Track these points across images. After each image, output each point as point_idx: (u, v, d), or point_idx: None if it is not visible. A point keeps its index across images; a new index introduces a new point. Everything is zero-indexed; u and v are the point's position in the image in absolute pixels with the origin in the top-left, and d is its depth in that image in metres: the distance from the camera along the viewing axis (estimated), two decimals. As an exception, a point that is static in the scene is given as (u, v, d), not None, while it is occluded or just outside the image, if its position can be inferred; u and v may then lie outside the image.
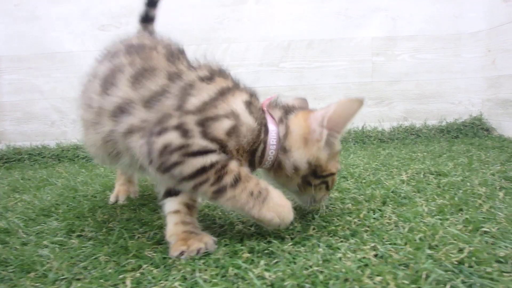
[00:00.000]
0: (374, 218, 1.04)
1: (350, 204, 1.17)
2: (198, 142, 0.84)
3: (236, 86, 0.97)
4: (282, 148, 0.95)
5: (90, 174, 1.93)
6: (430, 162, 1.74)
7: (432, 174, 1.49)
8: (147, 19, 1.31)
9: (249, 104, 0.93)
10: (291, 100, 1.11)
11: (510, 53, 2.29)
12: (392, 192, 1.29)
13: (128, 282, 0.76)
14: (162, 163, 0.84)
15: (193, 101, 0.87)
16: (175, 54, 0.99)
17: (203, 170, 0.84)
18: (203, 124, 0.85)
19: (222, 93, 0.91)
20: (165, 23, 2.56)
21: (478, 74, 2.54)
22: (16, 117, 2.55)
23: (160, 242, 0.97)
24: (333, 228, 0.98)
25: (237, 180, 0.86)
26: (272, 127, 0.95)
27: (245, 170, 0.89)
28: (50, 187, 1.66)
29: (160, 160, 0.84)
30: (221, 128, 0.86)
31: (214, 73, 0.96)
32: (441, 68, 2.58)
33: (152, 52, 0.97)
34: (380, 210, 1.10)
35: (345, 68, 2.60)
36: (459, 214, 1.00)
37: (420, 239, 0.86)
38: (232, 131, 0.87)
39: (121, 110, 0.90)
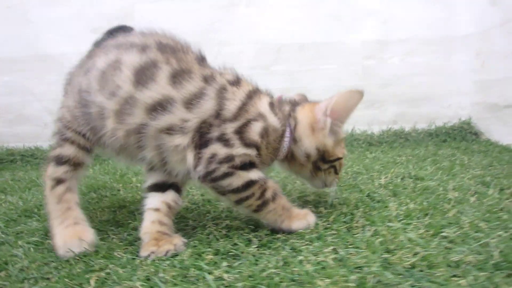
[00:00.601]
0: (343, 222, 1.06)
1: (323, 208, 1.18)
2: (240, 151, 0.93)
3: (258, 89, 1.06)
4: (293, 139, 1.05)
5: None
6: (413, 166, 1.75)
7: (411, 178, 1.51)
8: None
9: (272, 106, 1.03)
10: (294, 95, 1.21)
11: (498, 56, 2.30)
12: (367, 195, 1.31)
13: (92, 282, 0.79)
14: (212, 171, 0.92)
15: (229, 107, 0.95)
16: (202, 58, 1.04)
17: (250, 183, 0.94)
18: (240, 131, 0.94)
19: (250, 97, 0.99)
20: (159, 26, 2.61)
21: (467, 77, 2.55)
22: (9, 119, 2.59)
23: (132, 243, 1.00)
24: (301, 231, 1.00)
25: (275, 195, 0.98)
26: None
27: (276, 185, 1.01)
28: (37, 188, 1.69)
29: (208, 168, 0.92)
30: (254, 131, 0.96)
31: (238, 77, 1.04)
32: (432, 71, 2.59)
33: (185, 55, 1.00)
34: (351, 214, 1.12)
35: (337, 71, 2.61)
36: (425, 219, 1.01)
37: (380, 243, 0.88)
38: (264, 132, 0.97)
39: (161, 106, 0.93)
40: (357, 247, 0.88)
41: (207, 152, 0.92)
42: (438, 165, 1.74)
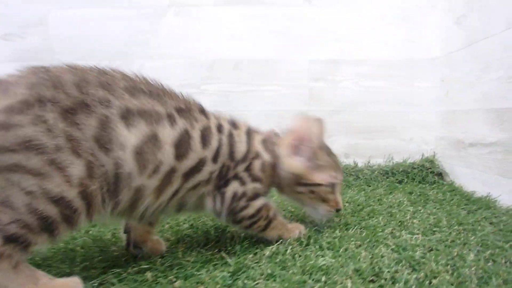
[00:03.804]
0: None
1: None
2: (250, 186, 1.08)
3: (249, 128, 1.17)
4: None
5: None
6: (337, 221, 1.36)
7: (315, 246, 1.10)
8: None
9: (264, 142, 1.16)
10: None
11: (463, 84, 1.92)
12: (231, 275, 0.92)
13: None
14: (233, 208, 1.06)
15: (239, 149, 1.08)
16: (202, 109, 1.08)
17: (260, 209, 1.09)
18: (248, 169, 1.09)
19: (249, 137, 1.13)
20: (73, 35, 2.24)
21: (432, 107, 2.17)
22: None
23: None
24: None
25: (275, 214, 1.14)
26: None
27: (275, 206, 1.16)
28: None
29: (232, 205, 1.06)
30: (256, 168, 1.11)
31: (233, 120, 1.15)
32: (392, 99, 2.22)
33: (195, 113, 1.02)
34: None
35: (279, 93, 2.25)
36: None
37: None
38: (262, 167, 1.12)
39: (196, 169, 0.99)
40: None
41: (229, 190, 1.05)
42: (371, 221, 1.34)
